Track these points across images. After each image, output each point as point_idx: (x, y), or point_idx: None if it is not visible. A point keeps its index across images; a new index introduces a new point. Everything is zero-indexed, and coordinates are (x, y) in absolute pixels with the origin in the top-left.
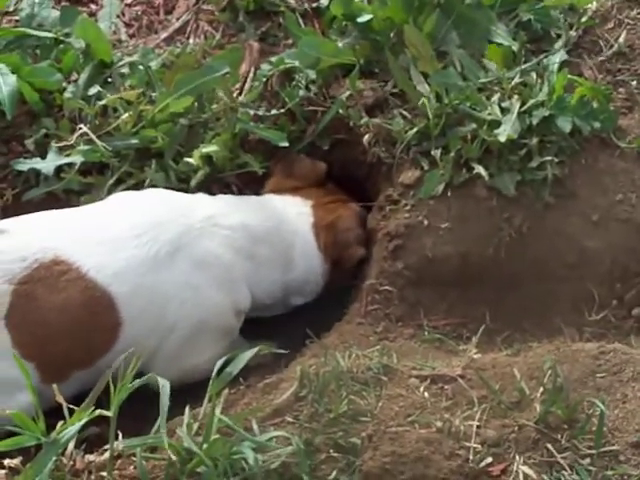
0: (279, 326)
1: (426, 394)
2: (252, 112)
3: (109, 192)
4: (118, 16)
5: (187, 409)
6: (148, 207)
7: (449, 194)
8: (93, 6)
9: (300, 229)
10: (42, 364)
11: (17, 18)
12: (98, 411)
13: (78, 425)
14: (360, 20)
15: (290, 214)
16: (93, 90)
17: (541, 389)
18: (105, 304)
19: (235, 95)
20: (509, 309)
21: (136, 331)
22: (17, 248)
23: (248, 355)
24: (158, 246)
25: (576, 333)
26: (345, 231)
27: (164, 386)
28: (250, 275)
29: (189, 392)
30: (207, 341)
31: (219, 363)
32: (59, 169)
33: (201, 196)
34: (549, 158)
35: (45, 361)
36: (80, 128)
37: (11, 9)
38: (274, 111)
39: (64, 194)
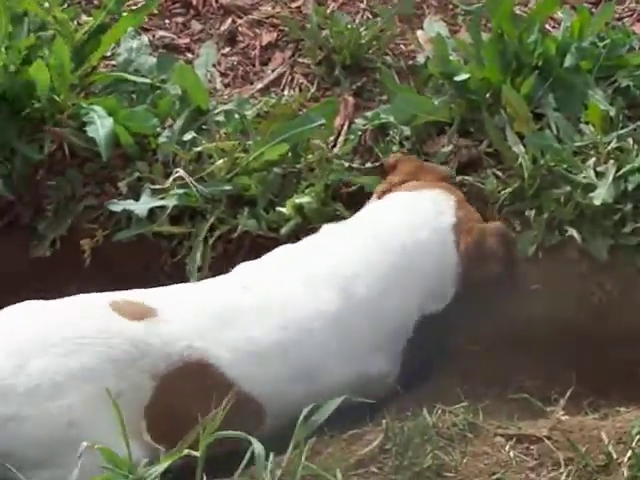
0: None
1: (511, 453)
2: (346, 164)
3: (205, 240)
4: (214, 65)
5: (271, 456)
6: None
7: (540, 255)
8: (189, 55)
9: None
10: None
11: (114, 63)
12: (186, 450)
13: (165, 464)
14: (457, 79)
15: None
16: (188, 136)
17: (629, 453)
18: (251, 409)
19: (329, 147)
20: (596, 374)
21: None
22: (164, 343)
23: (334, 404)
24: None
25: None
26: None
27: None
28: None
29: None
30: None
31: (305, 411)
32: (151, 213)
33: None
34: None
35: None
36: (176, 172)
37: (108, 54)
38: (368, 165)
39: (154, 237)
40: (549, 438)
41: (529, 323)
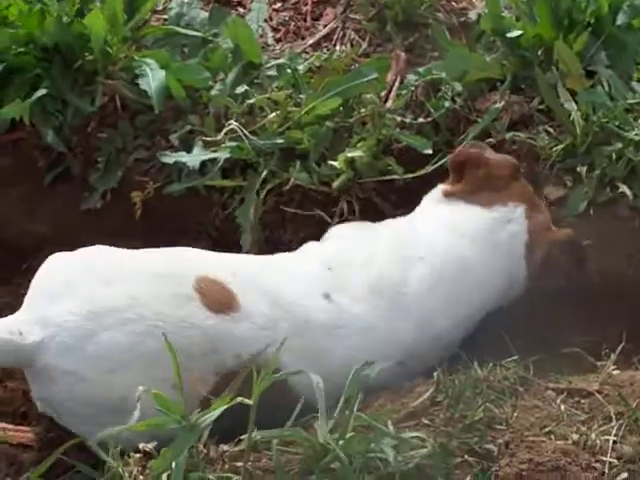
0: None
1: (562, 407)
2: (398, 119)
3: (257, 194)
4: (265, 20)
5: (323, 406)
6: None
7: (592, 212)
8: (241, 9)
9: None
10: None
11: (166, 17)
12: (239, 398)
13: (217, 412)
14: (509, 35)
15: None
16: (240, 89)
17: None
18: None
19: (381, 102)
20: None
21: None
22: (238, 342)
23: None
24: None
25: None
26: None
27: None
28: None
29: None
30: None
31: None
32: (203, 165)
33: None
34: None
35: None
36: (229, 124)
37: (160, 8)
38: (420, 120)
39: (206, 190)
40: (600, 392)
41: (580, 280)
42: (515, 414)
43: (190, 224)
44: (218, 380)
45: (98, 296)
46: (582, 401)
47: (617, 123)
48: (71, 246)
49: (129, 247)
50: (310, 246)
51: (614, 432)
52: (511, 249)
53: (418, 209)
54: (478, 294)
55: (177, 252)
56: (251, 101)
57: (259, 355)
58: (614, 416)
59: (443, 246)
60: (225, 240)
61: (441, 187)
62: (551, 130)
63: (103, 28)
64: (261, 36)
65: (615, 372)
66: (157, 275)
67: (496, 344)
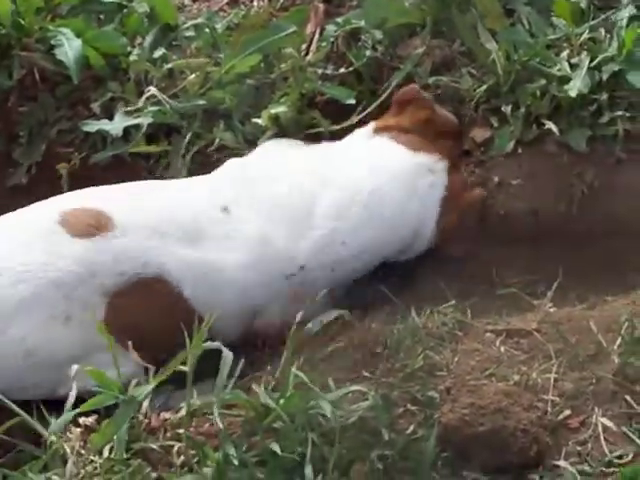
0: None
1: (502, 348)
2: (320, 72)
3: (183, 157)
4: None
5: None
6: None
7: (519, 151)
8: None
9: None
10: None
11: None
12: (174, 366)
13: (154, 383)
14: None
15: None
16: (158, 53)
17: (618, 341)
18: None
19: (302, 56)
20: (582, 265)
21: None
22: (116, 261)
23: (326, 317)
24: None
25: None
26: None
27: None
28: None
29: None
30: None
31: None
32: (126, 132)
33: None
34: (620, 113)
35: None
36: (148, 90)
37: None
38: (342, 70)
39: (131, 158)
40: (538, 331)
41: (512, 220)
42: (455, 359)
43: None
44: (109, 302)
45: None
46: (521, 341)
47: (539, 60)
48: None
49: None
50: (232, 161)
51: (554, 370)
52: (426, 199)
53: (348, 138)
54: (385, 230)
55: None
56: (170, 65)
57: (146, 269)
58: (554, 354)
59: (362, 176)
60: None
61: (374, 123)
62: (474, 72)
63: (8, 4)
64: None
65: (552, 310)
66: (18, 225)
67: (432, 290)
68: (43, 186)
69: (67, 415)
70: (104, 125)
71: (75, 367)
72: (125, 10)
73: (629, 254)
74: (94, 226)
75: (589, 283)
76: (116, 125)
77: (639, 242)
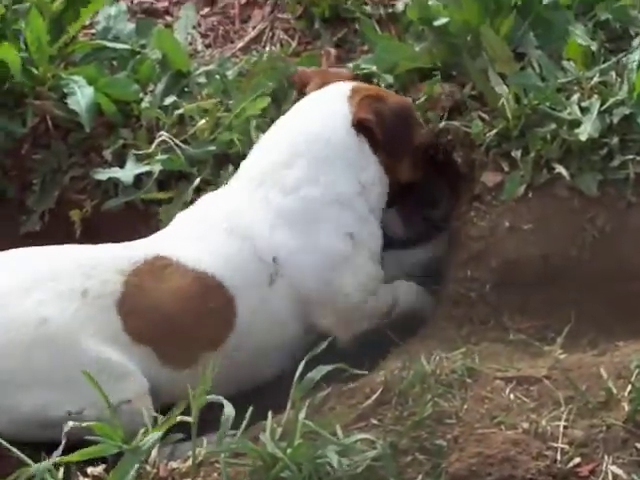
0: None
1: (511, 396)
2: None
3: (191, 202)
4: (194, 27)
5: (270, 414)
6: None
7: (530, 195)
8: (168, 18)
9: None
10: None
11: (93, 32)
12: (179, 417)
13: (159, 432)
14: (436, 23)
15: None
16: (170, 100)
17: (629, 388)
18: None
19: None
20: (593, 310)
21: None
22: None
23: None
24: None
25: None
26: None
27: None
28: None
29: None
30: None
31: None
32: (138, 179)
33: None
34: (631, 157)
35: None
36: (160, 135)
37: (87, 23)
38: None
39: (143, 204)
40: (548, 378)
41: (523, 265)
42: (464, 407)
43: (130, 238)
44: (124, 280)
45: None
46: (531, 388)
47: (549, 104)
48: None
49: None
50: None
51: (564, 417)
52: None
53: None
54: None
55: None
56: (180, 111)
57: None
58: (563, 401)
59: None
60: None
61: None
62: (485, 116)
63: (18, 56)
64: (191, 43)
65: (562, 356)
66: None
67: (442, 335)
68: (56, 233)
69: (53, 459)
70: (115, 173)
71: (70, 424)
72: (138, 57)
73: None
74: None
75: (601, 328)
76: (127, 173)
77: None
